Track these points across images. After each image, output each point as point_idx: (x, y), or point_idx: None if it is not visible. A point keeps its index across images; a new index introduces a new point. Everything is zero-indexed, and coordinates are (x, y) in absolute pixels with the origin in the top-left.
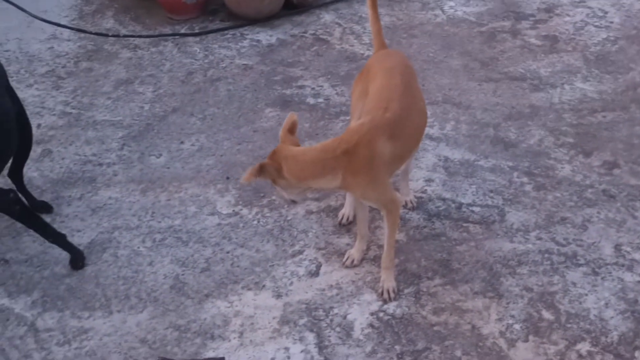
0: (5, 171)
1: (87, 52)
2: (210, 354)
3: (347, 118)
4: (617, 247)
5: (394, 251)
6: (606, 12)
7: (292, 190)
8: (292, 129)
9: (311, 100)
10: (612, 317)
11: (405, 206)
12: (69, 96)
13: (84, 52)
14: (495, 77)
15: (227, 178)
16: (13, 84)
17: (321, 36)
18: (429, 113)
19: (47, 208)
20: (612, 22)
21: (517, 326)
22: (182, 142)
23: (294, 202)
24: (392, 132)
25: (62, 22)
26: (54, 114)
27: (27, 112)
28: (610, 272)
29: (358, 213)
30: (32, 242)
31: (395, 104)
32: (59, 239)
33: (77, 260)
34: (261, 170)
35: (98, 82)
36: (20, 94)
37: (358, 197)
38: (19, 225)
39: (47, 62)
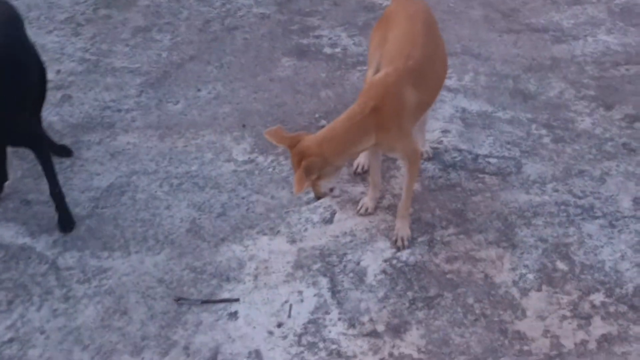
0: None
1: None
2: (226, 295)
3: (364, 68)
4: (636, 200)
5: (411, 201)
6: None
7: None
8: (280, 133)
9: (328, 50)
10: (627, 269)
11: (421, 156)
12: (87, 43)
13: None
14: (516, 29)
15: (244, 126)
16: (34, 29)
17: None
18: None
19: (67, 151)
20: None
21: (530, 276)
22: (199, 90)
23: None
24: (416, 80)
25: None
26: (74, 60)
27: (47, 58)
28: (627, 225)
29: (372, 162)
30: None
31: (417, 51)
32: (60, 197)
33: (66, 222)
34: (308, 169)
35: (116, 29)
36: (40, 40)
37: (385, 150)
38: (39, 167)
39: (66, 9)
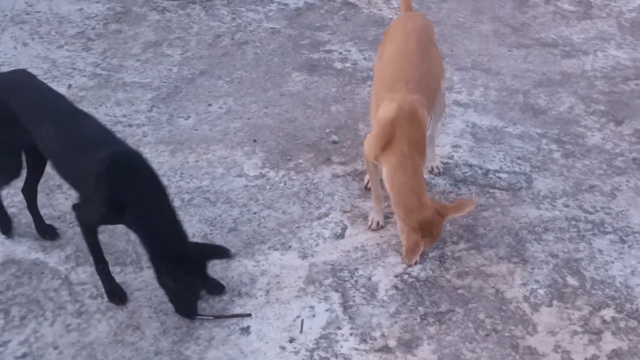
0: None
1: (115, 14)
2: (238, 311)
3: None
4: None
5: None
6: None
7: None
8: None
9: (338, 65)
10: (638, 285)
11: (431, 172)
12: (98, 57)
13: (112, 14)
14: (526, 43)
15: (254, 141)
16: (44, 44)
17: (349, 0)
18: (456, 79)
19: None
20: None
21: (541, 291)
22: (209, 105)
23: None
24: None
25: None
26: (85, 75)
27: (58, 73)
28: (638, 240)
29: (371, 175)
30: (64, 199)
31: (414, 72)
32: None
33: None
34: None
35: (127, 44)
36: (51, 55)
37: None
38: (51, 182)
39: (77, 24)
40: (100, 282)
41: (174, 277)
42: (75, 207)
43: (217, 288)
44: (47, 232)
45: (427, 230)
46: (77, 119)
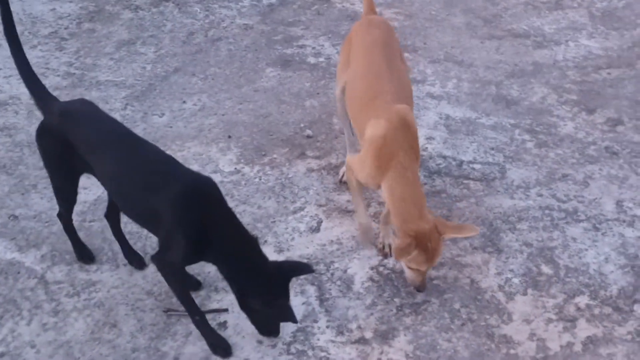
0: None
1: (88, 13)
2: (214, 306)
3: None
4: (619, 203)
5: None
6: None
7: None
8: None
9: (312, 60)
10: (611, 272)
11: None
12: (72, 57)
13: (85, 13)
14: (498, 35)
15: (229, 137)
16: None
17: None
18: (429, 71)
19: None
20: None
21: (515, 280)
22: (184, 102)
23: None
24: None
25: None
26: (58, 75)
27: None
28: (611, 228)
29: (355, 191)
30: (39, 198)
31: (388, 86)
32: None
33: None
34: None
35: (100, 43)
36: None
37: None
38: (26, 182)
39: (50, 24)
40: (76, 281)
41: (263, 301)
42: (155, 257)
43: (193, 284)
44: (134, 260)
45: (423, 242)
46: (138, 153)
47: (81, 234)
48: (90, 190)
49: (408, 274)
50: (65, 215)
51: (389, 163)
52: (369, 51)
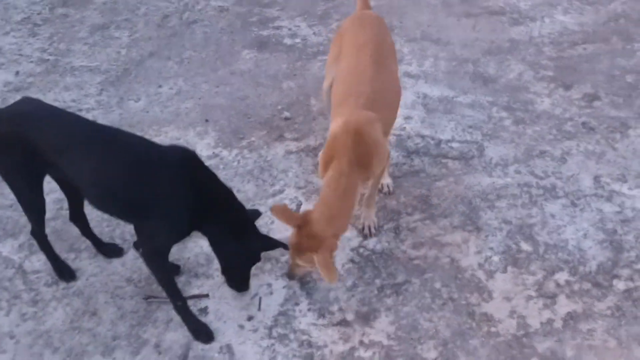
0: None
1: None
2: (195, 292)
3: (325, 58)
4: (597, 179)
5: (377, 189)
6: None
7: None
8: (287, 212)
9: (288, 41)
10: (590, 247)
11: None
12: (45, 43)
13: None
14: (474, 12)
15: (206, 120)
16: None
17: None
18: (406, 50)
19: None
20: None
21: (495, 258)
22: (160, 86)
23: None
24: (375, 113)
25: None
26: (32, 61)
27: (5, 60)
28: (589, 204)
29: None
30: None
31: (366, 87)
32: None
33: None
34: (331, 252)
35: (74, 28)
36: None
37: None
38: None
39: (22, 9)
40: (52, 269)
41: (239, 242)
42: (137, 243)
43: (172, 269)
44: (111, 252)
45: (301, 242)
46: (106, 138)
47: (58, 222)
48: None
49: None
50: (38, 231)
51: (331, 163)
52: (359, 50)
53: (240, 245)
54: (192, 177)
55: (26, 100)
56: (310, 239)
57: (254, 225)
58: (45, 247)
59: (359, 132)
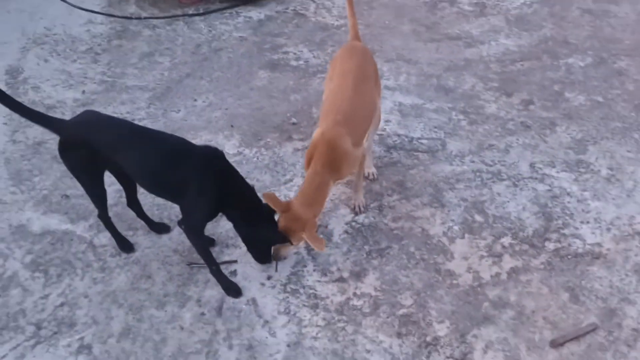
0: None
1: (116, 32)
2: (226, 258)
3: (323, 76)
4: (532, 165)
5: (362, 177)
6: None
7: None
8: (275, 198)
9: (294, 63)
10: (527, 217)
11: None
12: (105, 67)
13: (114, 32)
14: (437, 38)
15: (232, 126)
16: (61, 60)
17: (300, 11)
18: (385, 69)
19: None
20: None
21: (455, 227)
22: (195, 100)
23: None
24: (348, 128)
25: (96, 9)
26: (95, 82)
27: (74, 82)
28: (526, 184)
29: None
30: None
31: (345, 105)
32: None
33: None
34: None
35: (127, 56)
36: (67, 68)
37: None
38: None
39: (86, 42)
40: (114, 242)
41: (258, 228)
42: (181, 221)
43: (209, 242)
44: (160, 229)
45: (288, 225)
46: (155, 137)
47: (119, 207)
48: None
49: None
50: (103, 215)
51: (309, 164)
52: (344, 75)
53: (255, 229)
54: (218, 169)
55: (87, 112)
56: (295, 221)
57: (271, 215)
58: (110, 226)
59: (332, 144)
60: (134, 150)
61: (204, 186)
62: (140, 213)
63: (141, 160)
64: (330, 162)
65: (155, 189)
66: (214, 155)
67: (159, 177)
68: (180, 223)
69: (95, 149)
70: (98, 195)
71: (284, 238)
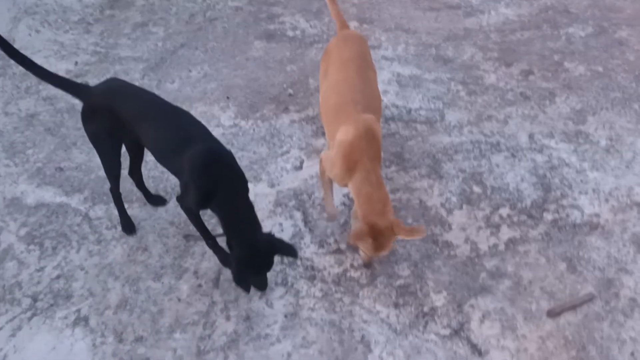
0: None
1: (109, 1)
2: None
3: (320, 46)
4: (531, 136)
5: None
6: None
7: None
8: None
9: (290, 33)
10: (525, 189)
11: None
12: (97, 38)
13: (106, 2)
14: (436, 7)
15: (227, 98)
16: (53, 30)
17: None
18: (383, 38)
19: (160, 201)
20: None
21: (453, 198)
22: (190, 71)
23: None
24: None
25: None
26: (87, 53)
27: (66, 52)
28: (525, 155)
29: (325, 184)
30: (79, 153)
31: (359, 95)
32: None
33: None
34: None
35: (120, 26)
36: (60, 39)
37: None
38: (68, 140)
39: (78, 12)
40: (113, 217)
41: (240, 261)
42: (178, 198)
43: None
44: (157, 201)
45: (375, 235)
46: (175, 116)
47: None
48: None
49: (361, 253)
50: (114, 189)
51: (355, 167)
52: (345, 65)
53: (236, 256)
54: (217, 165)
55: (113, 80)
56: (382, 235)
57: (266, 243)
58: (118, 202)
59: (370, 134)
60: (153, 122)
61: (199, 174)
62: (140, 183)
63: (155, 134)
64: (375, 151)
65: (165, 164)
66: (220, 151)
67: (169, 154)
68: (178, 198)
69: (118, 117)
70: (114, 167)
71: (260, 283)
